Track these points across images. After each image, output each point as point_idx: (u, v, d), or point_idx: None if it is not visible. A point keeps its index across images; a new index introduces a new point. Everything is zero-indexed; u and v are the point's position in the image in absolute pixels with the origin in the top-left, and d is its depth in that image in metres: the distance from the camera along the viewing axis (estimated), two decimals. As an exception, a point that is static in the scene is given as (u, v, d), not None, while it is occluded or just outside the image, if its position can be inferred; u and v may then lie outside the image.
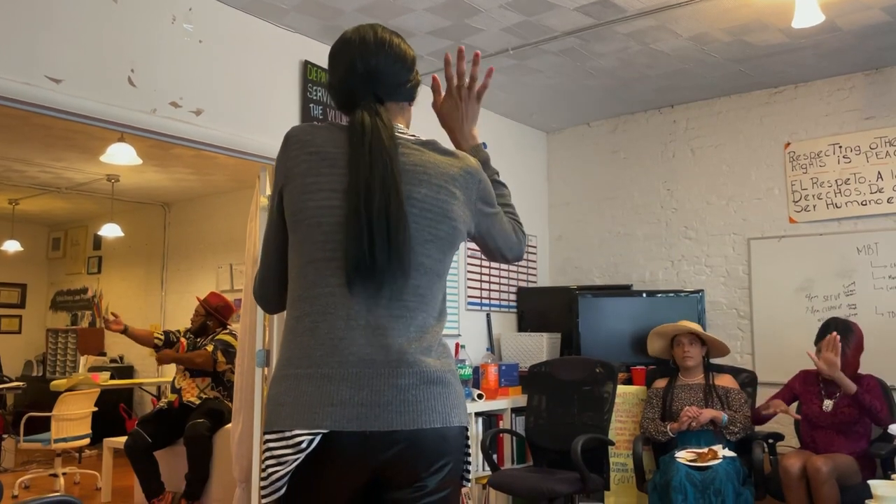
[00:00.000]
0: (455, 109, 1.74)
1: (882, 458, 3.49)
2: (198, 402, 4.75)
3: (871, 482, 1.99)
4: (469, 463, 1.49)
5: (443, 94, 1.76)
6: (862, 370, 3.70)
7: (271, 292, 1.56)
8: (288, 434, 1.33)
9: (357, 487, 1.37)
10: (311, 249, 1.41)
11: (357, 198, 1.37)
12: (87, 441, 5.69)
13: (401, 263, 1.37)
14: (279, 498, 1.36)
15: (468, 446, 1.48)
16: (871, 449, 3.53)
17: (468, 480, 1.48)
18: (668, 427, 3.77)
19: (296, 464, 1.33)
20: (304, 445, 1.32)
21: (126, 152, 5.17)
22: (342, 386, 1.34)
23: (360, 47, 1.52)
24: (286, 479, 1.34)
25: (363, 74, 1.51)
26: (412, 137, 1.53)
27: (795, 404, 3.74)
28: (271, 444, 1.36)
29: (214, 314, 5.00)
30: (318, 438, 1.32)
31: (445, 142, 1.66)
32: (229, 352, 4.77)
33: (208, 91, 3.39)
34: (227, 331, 4.95)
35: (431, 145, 1.54)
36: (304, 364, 1.37)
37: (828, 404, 3.61)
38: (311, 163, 1.43)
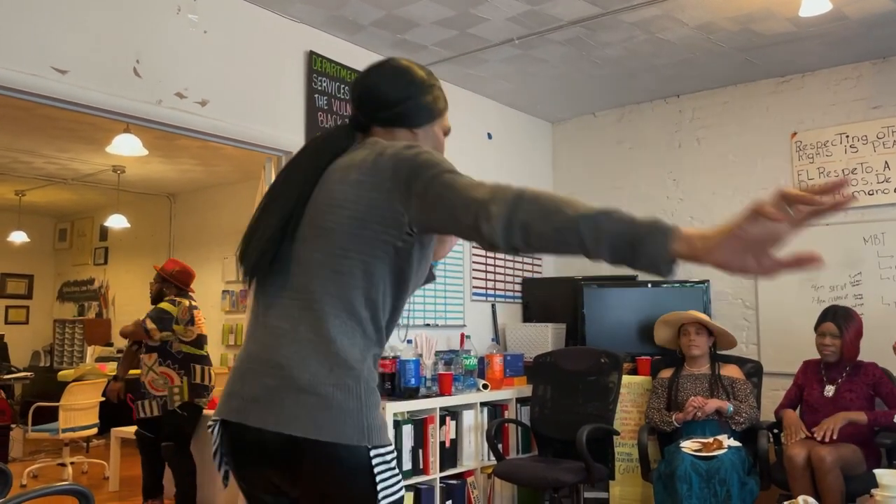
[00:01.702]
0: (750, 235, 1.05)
1: (887, 447, 3.49)
2: (149, 386, 4.42)
3: (876, 471, 1.99)
4: (376, 483, 1.27)
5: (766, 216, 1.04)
6: (868, 360, 3.71)
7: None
8: (212, 420, 1.42)
9: (265, 475, 1.35)
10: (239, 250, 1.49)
11: (262, 207, 1.44)
12: (94, 431, 5.72)
13: (264, 262, 1.38)
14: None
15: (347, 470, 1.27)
16: (876, 438, 3.53)
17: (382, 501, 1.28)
18: (674, 417, 3.78)
19: (215, 446, 1.41)
20: (212, 430, 1.42)
21: (132, 143, 5.19)
22: (233, 379, 1.39)
23: (360, 74, 1.53)
24: (218, 458, 1.42)
25: (355, 99, 1.52)
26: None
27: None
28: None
29: (171, 280, 4.66)
30: (217, 426, 1.40)
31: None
32: (162, 318, 4.38)
33: (213, 82, 3.39)
34: (181, 299, 4.55)
35: (360, 150, 1.42)
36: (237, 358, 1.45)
37: (829, 390, 3.63)
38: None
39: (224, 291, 7.59)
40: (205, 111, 3.34)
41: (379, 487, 1.26)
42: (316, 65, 3.83)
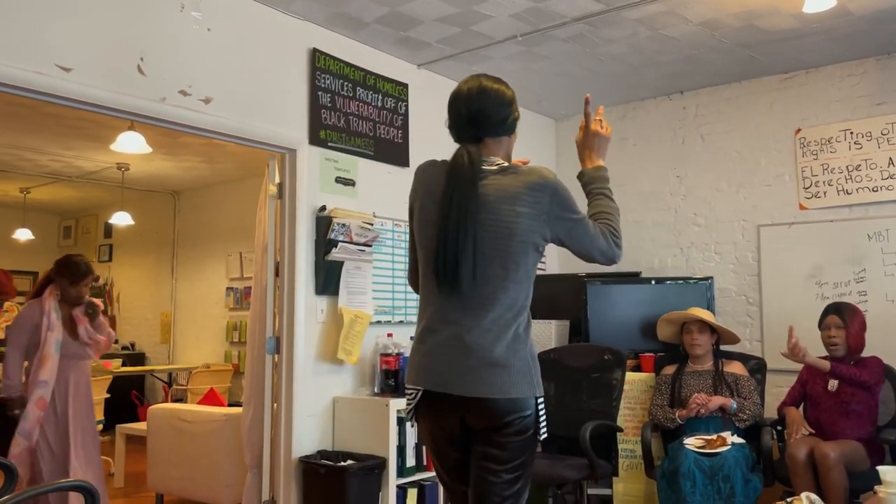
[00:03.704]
0: (582, 142, 2.20)
1: (891, 444, 3.49)
2: None
3: (879, 468, 1.99)
4: (540, 424, 1.93)
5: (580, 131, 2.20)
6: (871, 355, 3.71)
7: (414, 283, 2.14)
8: (410, 387, 1.99)
9: (452, 426, 1.96)
10: (423, 265, 2.00)
11: (440, 231, 1.91)
12: (99, 427, 5.74)
13: (467, 276, 1.88)
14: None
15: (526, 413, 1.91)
16: (880, 435, 3.53)
17: (540, 437, 1.94)
18: (677, 414, 3.78)
19: (412, 406, 1.99)
20: (414, 396, 1.99)
21: (135, 141, 5.20)
22: (427, 359, 1.96)
23: (465, 96, 1.99)
24: (412, 412, 2.02)
25: (466, 118, 1.99)
26: (495, 168, 1.97)
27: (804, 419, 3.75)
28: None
29: None
30: (419, 393, 1.97)
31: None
32: None
33: (217, 79, 3.39)
34: None
35: (509, 170, 1.97)
36: (417, 342, 2.01)
37: (833, 384, 3.63)
38: (423, 198, 2.01)
39: (228, 289, 7.61)
40: (208, 109, 3.35)
41: (540, 421, 1.94)
42: (319, 62, 3.83)
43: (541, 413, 1.93)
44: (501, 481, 1.89)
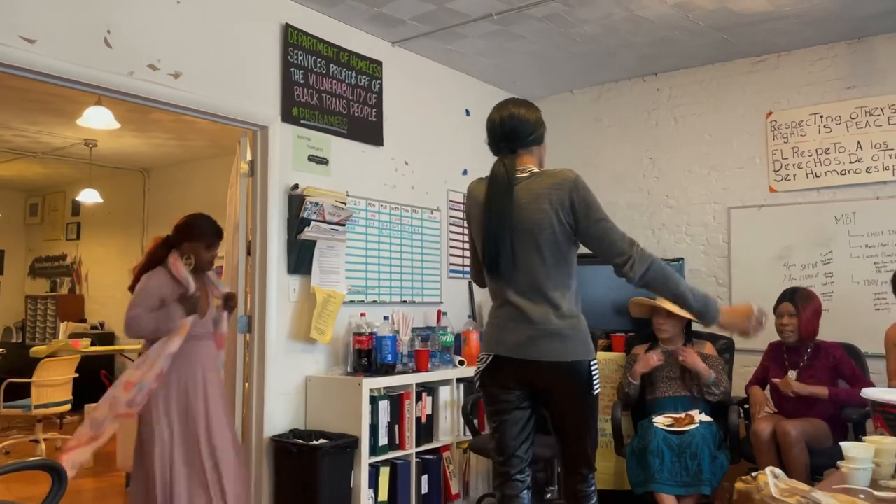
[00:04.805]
0: (738, 320, 2.39)
1: (854, 422, 3.57)
2: None
3: (842, 444, 2.04)
4: (593, 382, 2.34)
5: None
6: (838, 338, 3.78)
7: (476, 278, 2.62)
8: (484, 354, 2.43)
9: (520, 383, 2.38)
10: (482, 260, 2.42)
11: (485, 232, 2.36)
12: (68, 407, 5.68)
13: (507, 265, 2.32)
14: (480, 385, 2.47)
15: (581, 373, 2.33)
16: (843, 413, 3.60)
17: (595, 391, 2.35)
18: (633, 370, 3.86)
19: (482, 369, 2.43)
20: (484, 361, 2.43)
21: (103, 116, 5.08)
22: (497, 331, 2.40)
23: (499, 122, 2.40)
24: (478, 376, 2.45)
25: (501, 134, 2.41)
26: (527, 174, 2.36)
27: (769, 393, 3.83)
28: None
29: None
30: (490, 357, 2.41)
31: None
32: None
33: (187, 54, 3.32)
34: None
35: (537, 175, 2.36)
36: (490, 318, 2.47)
37: (791, 375, 3.68)
38: (473, 209, 2.46)
39: (199, 268, 7.52)
40: (178, 83, 3.28)
41: (594, 381, 2.34)
42: (292, 38, 3.77)
43: (594, 373, 2.34)
44: (574, 428, 2.36)
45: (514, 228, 2.29)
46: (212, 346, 3.27)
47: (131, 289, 3.20)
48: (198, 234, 3.23)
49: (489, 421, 2.50)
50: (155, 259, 3.19)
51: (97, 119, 5.06)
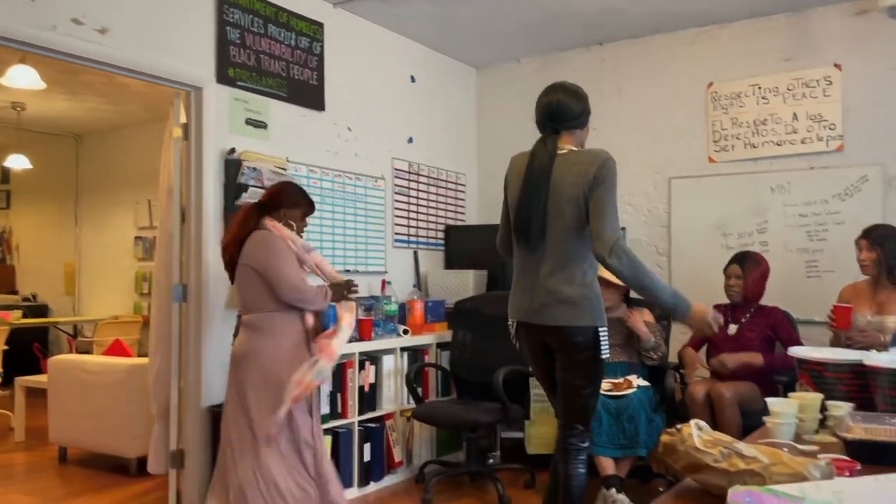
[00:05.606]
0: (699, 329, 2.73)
1: (784, 384, 3.70)
2: None
3: (768, 399, 2.09)
4: (600, 346, 2.52)
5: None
6: (770, 304, 3.89)
7: (505, 247, 2.75)
8: (510, 320, 2.70)
9: (539, 346, 2.65)
10: (513, 227, 2.60)
11: (520, 202, 2.55)
12: (-2, 380, 5.46)
13: (536, 233, 2.51)
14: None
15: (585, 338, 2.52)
16: (774, 376, 3.72)
17: (602, 355, 2.54)
18: None
19: (513, 330, 2.71)
20: (513, 325, 2.71)
21: (28, 75, 4.84)
22: (517, 299, 2.65)
23: (546, 102, 2.62)
24: (514, 339, 2.74)
25: (547, 115, 2.61)
26: (565, 151, 2.55)
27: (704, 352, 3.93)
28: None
29: None
30: (515, 323, 2.68)
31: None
32: None
33: (114, 8, 3.16)
34: None
35: (575, 153, 2.55)
36: (513, 286, 2.68)
37: (732, 328, 3.81)
38: (512, 178, 2.65)
39: (136, 238, 7.30)
40: (105, 40, 3.13)
41: (601, 346, 2.52)
42: (228, -4, 3.63)
43: (602, 338, 2.51)
44: (576, 386, 2.57)
45: (547, 200, 2.48)
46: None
47: (229, 266, 3.00)
48: (297, 201, 3.07)
49: None
50: (249, 226, 2.97)
51: (21, 78, 4.82)
